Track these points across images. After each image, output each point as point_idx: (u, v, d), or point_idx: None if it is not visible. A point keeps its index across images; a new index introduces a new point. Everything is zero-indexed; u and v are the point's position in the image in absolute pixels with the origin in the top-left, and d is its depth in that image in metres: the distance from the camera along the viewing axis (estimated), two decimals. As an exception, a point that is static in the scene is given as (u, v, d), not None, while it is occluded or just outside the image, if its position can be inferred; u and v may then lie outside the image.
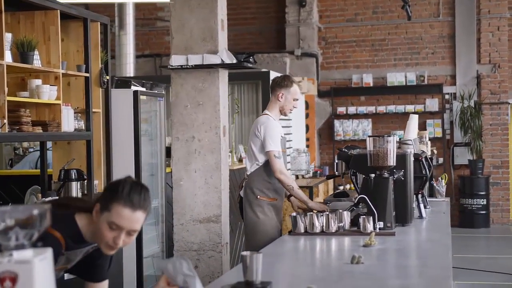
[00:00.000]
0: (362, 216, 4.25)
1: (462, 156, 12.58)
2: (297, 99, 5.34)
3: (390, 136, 4.44)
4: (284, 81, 5.32)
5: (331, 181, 11.18)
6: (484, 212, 12.28)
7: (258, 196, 5.19)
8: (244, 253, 2.73)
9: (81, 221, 2.69)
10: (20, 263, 1.72)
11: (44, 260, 1.76)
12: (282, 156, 5.12)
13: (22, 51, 4.78)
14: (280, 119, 8.86)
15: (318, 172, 10.68)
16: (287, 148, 6.03)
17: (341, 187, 11.96)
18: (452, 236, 10.38)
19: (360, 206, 4.49)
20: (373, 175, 4.42)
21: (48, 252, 1.79)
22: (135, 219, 2.57)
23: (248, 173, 5.30)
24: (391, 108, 12.72)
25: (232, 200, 6.63)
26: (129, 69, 10.55)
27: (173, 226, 5.73)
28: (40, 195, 5.45)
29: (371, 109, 12.79)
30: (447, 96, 12.72)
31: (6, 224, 1.75)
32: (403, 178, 4.53)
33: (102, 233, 2.60)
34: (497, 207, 12.58)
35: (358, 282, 2.96)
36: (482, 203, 12.24)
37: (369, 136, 4.48)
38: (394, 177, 4.46)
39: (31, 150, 8.31)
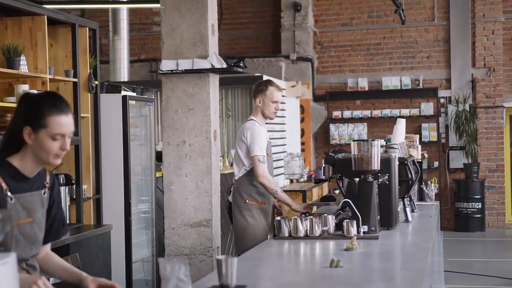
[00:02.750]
0: (346, 220, 4.26)
1: (457, 160, 12.59)
2: (276, 101, 5.35)
3: (374, 140, 4.45)
4: (259, 86, 5.39)
5: (325, 185, 11.18)
6: (479, 215, 12.28)
7: (247, 201, 5.25)
8: (219, 257, 2.75)
9: (14, 161, 2.71)
10: (-19, 268, 1.73)
11: (6, 264, 1.77)
12: (266, 161, 5.16)
13: (8, 57, 4.80)
14: (273, 123, 8.88)
15: (313, 176, 10.69)
16: (273, 153, 6.07)
17: (337, 191, 11.97)
18: (447, 240, 10.41)
19: (345, 210, 4.49)
20: (357, 179, 4.43)
21: (11, 257, 1.80)
22: (71, 122, 2.72)
23: (236, 178, 5.37)
24: (387, 112, 12.74)
25: (223, 204, 6.65)
26: (123, 74, 10.57)
27: (164, 231, 5.74)
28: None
29: (367, 113, 12.80)
30: (442, 100, 12.73)
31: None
32: (387, 182, 4.54)
33: (47, 148, 2.67)
34: (492, 211, 12.58)
35: (334, 286, 2.98)
36: (477, 207, 12.24)
37: (353, 140, 4.49)
38: (378, 181, 4.47)
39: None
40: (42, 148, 2.67)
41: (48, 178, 2.85)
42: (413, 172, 5.04)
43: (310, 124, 12.69)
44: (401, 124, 5.57)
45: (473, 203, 12.22)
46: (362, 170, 4.42)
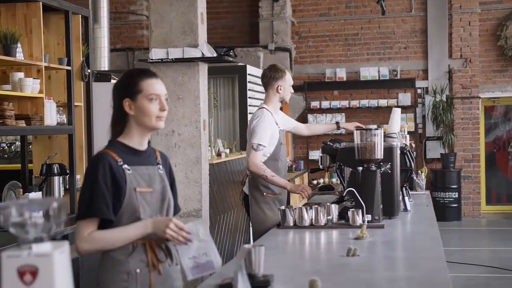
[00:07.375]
0: (351, 209, 4.26)
1: (434, 150, 12.71)
2: (291, 84, 5.40)
3: (377, 129, 4.45)
4: (278, 73, 5.30)
5: (306, 175, 11.22)
6: (455, 205, 12.42)
7: (264, 193, 5.13)
8: (247, 246, 2.73)
9: (121, 139, 2.88)
10: (40, 256, 1.70)
11: (63, 253, 1.73)
12: (261, 149, 5.03)
13: (5, 44, 4.70)
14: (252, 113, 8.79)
15: (294, 166, 10.70)
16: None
17: (321, 180, 12.01)
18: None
19: (346, 199, 4.49)
20: (360, 168, 4.42)
21: (66, 246, 1.76)
22: (161, 84, 2.91)
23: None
24: (364, 102, 12.79)
25: (212, 194, 6.61)
26: (104, 63, 10.42)
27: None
28: (21, 190, 5.36)
29: (345, 103, 12.84)
30: (419, 91, 12.83)
31: (24, 217, 1.73)
32: (390, 171, 4.55)
33: (148, 111, 2.82)
34: (468, 200, 12.74)
35: (359, 274, 2.97)
36: (454, 197, 12.38)
37: (356, 129, 4.49)
38: (381, 170, 4.47)
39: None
40: (143, 113, 2.82)
41: (158, 156, 2.97)
42: (411, 160, 5.06)
43: (289, 114, 12.65)
44: (396, 114, 5.58)
45: (449, 193, 12.36)
46: (366, 159, 4.42)
